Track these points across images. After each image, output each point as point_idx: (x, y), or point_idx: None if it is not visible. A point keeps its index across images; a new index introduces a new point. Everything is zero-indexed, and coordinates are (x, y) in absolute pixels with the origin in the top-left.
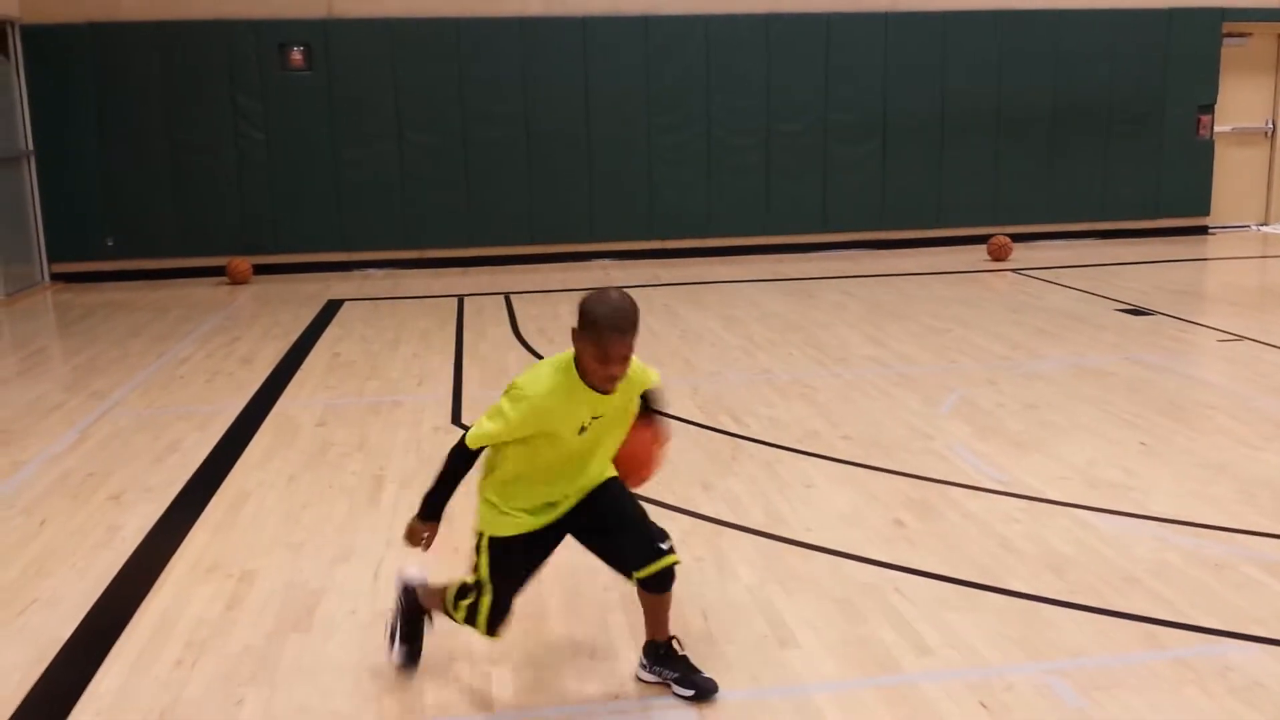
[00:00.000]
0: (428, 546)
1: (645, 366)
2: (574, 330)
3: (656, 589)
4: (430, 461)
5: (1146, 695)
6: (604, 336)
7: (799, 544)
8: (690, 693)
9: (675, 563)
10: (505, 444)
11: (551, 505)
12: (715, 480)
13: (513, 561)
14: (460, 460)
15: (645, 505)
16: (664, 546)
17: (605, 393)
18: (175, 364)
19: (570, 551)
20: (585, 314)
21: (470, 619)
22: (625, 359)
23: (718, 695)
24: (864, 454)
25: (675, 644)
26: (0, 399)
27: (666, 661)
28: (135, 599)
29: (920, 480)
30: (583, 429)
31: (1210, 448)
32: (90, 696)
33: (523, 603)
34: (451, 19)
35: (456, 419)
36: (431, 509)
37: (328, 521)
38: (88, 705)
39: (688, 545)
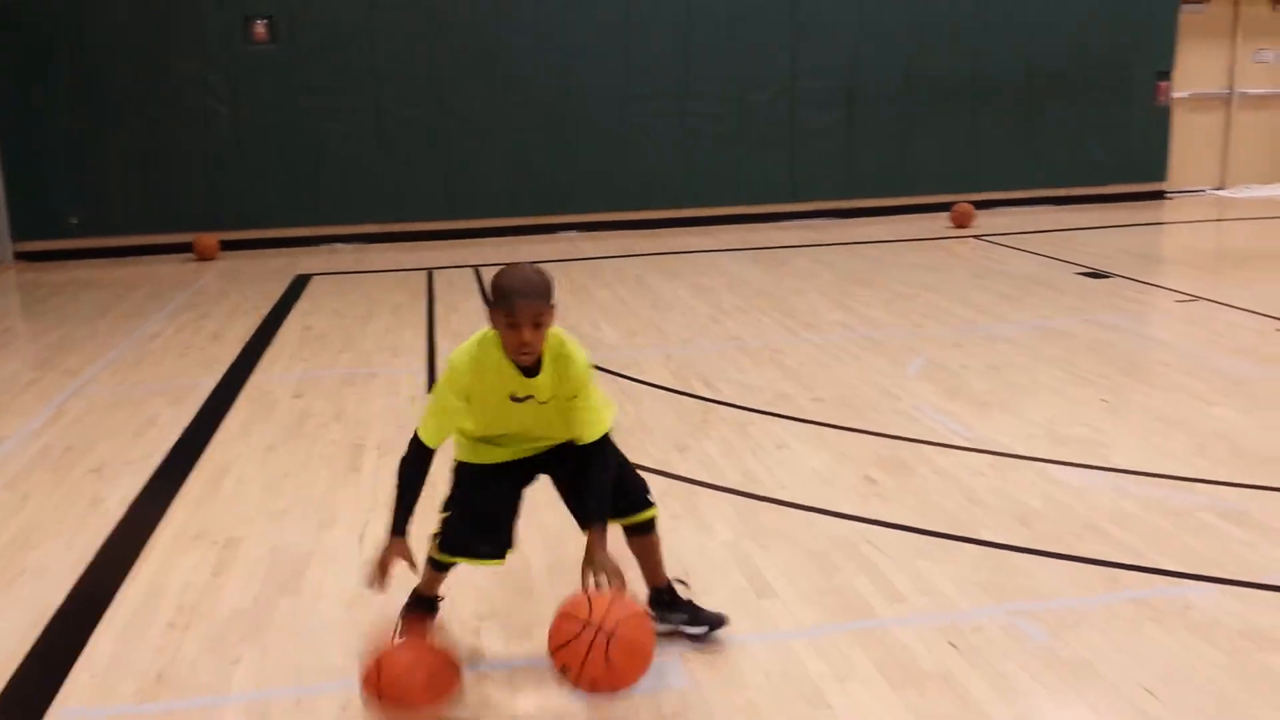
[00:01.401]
0: (386, 576)
1: (584, 369)
2: (489, 310)
3: (635, 534)
4: (408, 430)
5: (1109, 633)
6: (511, 300)
7: (774, 501)
8: (702, 630)
9: (651, 519)
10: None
11: (510, 449)
12: (690, 442)
13: (473, 485)
14: (408, 458)
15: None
16: (649, 498)
17: (523, 364)
18: (146, 340)
19: (553, 515)
20: (492, 286)
21: (432, 544)
22: (537, 325)
23: (702, 640)
24: (835, 415)
25: (678, 586)
26: None
27: (673, 607)
28: (123, 567)
29: (890, 439)
30: (515, 398)
31: (1168, 404)
32: (85, 661)
33: (509, 567)
34: None
35: (432, 388)
36: (397, 521)
37: (310, 489)
38: (83, 669)
39: (665, 505)
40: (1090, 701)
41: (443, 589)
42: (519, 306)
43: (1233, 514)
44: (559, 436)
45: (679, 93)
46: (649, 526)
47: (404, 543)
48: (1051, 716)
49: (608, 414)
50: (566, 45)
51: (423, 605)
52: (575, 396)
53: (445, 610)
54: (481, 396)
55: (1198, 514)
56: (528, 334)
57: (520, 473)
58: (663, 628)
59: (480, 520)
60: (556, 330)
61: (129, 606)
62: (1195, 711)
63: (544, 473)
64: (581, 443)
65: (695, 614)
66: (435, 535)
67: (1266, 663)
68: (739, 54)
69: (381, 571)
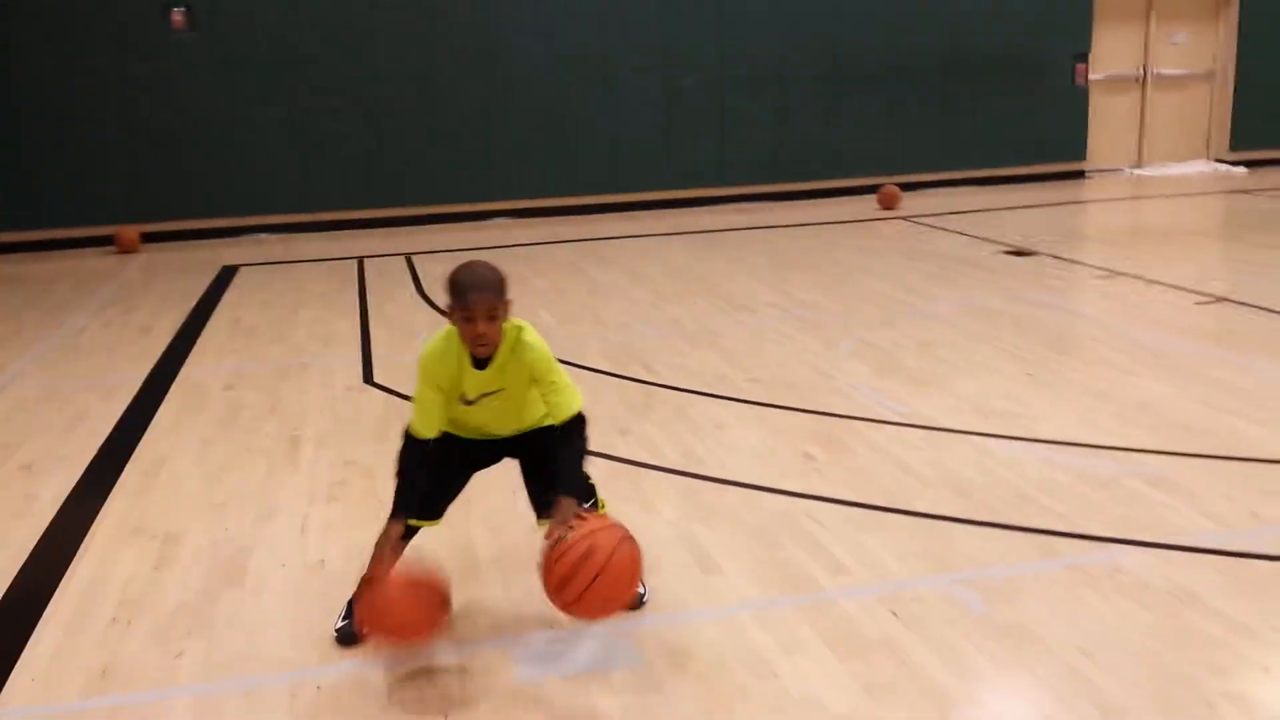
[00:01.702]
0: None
1: (540, 355)
2: (447, 306)
3: None
4: (347, 419)
5: (1043, 598)
6: (464, 295)
7: (715, 480)
8: None
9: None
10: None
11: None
12: (631, 425)
13: (436, 452)
14: (404, 453)
15: None
16: (584, 506)
17: (479, 356)
18: (72, 335)
19: (496, 499)
20: (449, 283)
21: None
22: (492, 318)
23: (647, 615)
24: (771, 395)
25: None
26: None
27: None
28: (61, 564)
29: (826, 416)
30: (465, 400)
31: (1092, 376)
32: (27, 660)
33: (454, 553)
34: None
35: (369, 378)
36: (399, 502)
37: (248, 482)
38: (25, 668)
39: (610, 487)
40: (1028, 665)
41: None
42: (473, 301)
43: (1157, 480)
44: (520, 427)
45: (605, 78)
46: None
47: (400, 523)
48: (992, 681)
49: (576, 397)
50: (492, 34)
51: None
52: (540, 381)
53: None
54: (445, 389)
55: (1124, 481)
56: (482, 326)
57: (484, 453)
58: None
59: (430, 484)
60: (516, 321)
61: (69, 603)
62: (1128, 670)
63: (510, 455)
64: (556, 423)
65: None
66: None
67: (1192, 621)
68: (665, 39)
69: (380, 557)
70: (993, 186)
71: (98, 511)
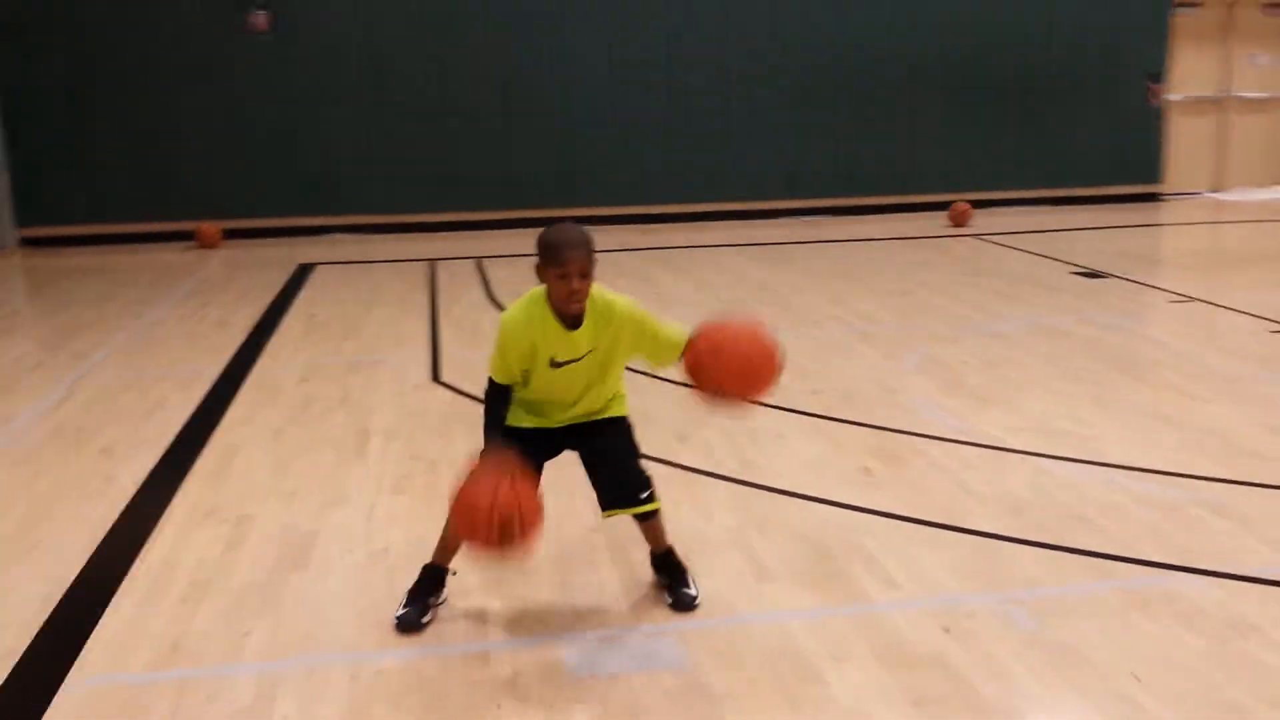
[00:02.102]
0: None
1: (631, 309)
2: (537, 266)
3: (639, 520)
4: (415, 415)
5: (1095, 620)
6: (560, 253)
7: (772, 490)
8: (669, 601)
9: (649, 511)
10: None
11: (545, 417)
12: (691, 432)
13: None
14: (489, 393)
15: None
16: (642, 496)
17: (571, 314)
18: (151, 326)
19: (553, 498)
20: (542, 242)
21: None
22: (584, 274)
23: (698, 617)
24: (832, 407)
25: (673, 554)
26: None
27: (661, 569)
28: (136, 543)
29: (886, 431)
30: (555, 363)
31: (1160, 401)
32: (101, 632)
33: None
34: None
35: (436, 377)
36: (494, 436)
37: (317, 470)
38: (99, 639)
39: (668, 491)
40: (1077, 686)
41: (453, 563)
42: (569, 257)
43: (1220, 507)
44: (595, 403)
45: (676, 90)
46: (645, 516)
47: (494, 446)
48: (1041, 700)
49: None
50: (563, 43)
51: (432, 579)
52: (647, 328)
53: (449, 585)
54: (528, 355)
55: (1186, 508)
56: (576, 283)
57: (551, 443)
58: (657, 578)
59: None
60: (596, 286)
61: (143, 580)
62: (1178, 696)
63: (573, 448)
64: (683, 349)
65: (673, 587)
66: None
67: (1247, 650)
68: (738, 52)
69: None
70: (1066, 207)
71: (173, 494)
